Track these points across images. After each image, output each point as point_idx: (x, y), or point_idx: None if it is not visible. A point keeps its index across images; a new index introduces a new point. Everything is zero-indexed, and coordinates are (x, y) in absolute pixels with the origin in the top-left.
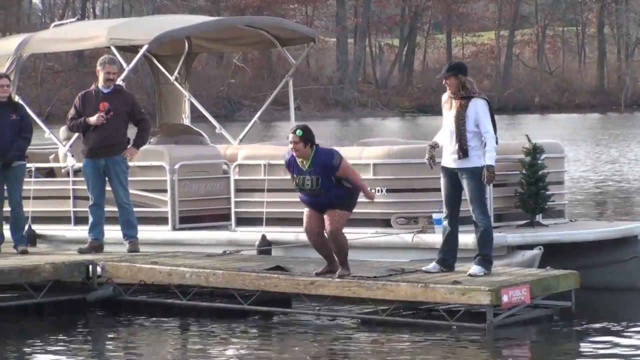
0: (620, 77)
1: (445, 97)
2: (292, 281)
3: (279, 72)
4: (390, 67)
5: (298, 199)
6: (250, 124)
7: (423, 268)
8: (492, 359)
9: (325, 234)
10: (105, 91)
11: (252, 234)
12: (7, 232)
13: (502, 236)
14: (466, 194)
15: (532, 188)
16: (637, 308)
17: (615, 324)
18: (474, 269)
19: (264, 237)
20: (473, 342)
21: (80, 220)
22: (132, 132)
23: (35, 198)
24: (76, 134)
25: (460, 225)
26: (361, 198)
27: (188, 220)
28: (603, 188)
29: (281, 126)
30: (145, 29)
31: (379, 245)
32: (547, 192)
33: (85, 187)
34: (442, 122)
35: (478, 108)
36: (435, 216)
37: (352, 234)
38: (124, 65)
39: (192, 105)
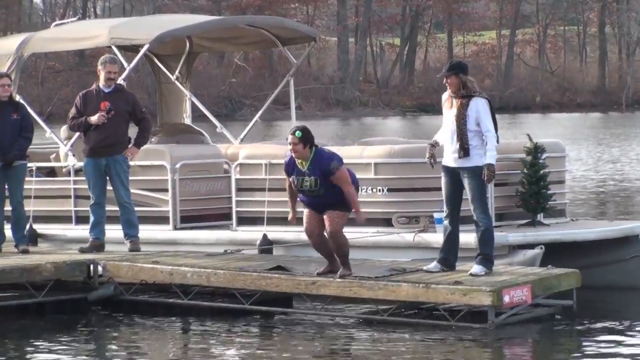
0: (621, 76)
1: (445, 96)
2: (294, 281)
3: (280, 71)
4: (392, 66)
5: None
6: (251, 124)
7: (424, 267)
8: (494, 359)
9: (326, 235)
10: (106, 90)
11: (253, 234)
12: (8, 231)
13: (504, 235)
14: (467, 193)
15: (533, 187)
16: (638, 307)
17: (617, 323)
18: (475, 268)
19: (265, 236)
20: (475, 341)
21: (81, 219)
22: (133, 131)
23: (36, 197)
24: (77, 134)
25: (461, 224)
26: (361, 198)
27: (189, 219)
28: (604, 187)
29: (282, 125)
30: (146, 28)
31: (380, 245)
32: (548, 192)
33: (86, 186)
34: (442, 122)
35: (479, 107)
36: (436, 215)
37: (353, 234)
38: (125, 64)
39: (193, 105)
